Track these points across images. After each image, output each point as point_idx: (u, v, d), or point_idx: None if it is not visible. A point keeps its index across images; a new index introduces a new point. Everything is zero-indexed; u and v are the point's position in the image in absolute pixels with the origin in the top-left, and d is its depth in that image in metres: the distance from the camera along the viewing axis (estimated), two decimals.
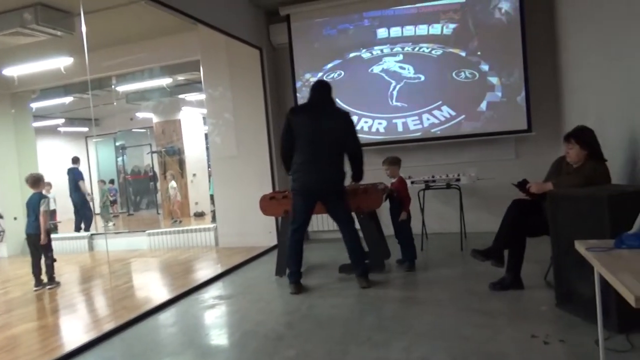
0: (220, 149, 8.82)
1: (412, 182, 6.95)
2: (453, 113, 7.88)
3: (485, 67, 7.68)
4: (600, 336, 3.08)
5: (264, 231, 8.52)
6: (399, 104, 8.13)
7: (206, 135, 12.42)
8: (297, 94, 8.44)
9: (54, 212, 11.87)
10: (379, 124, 8.25)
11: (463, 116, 7.85)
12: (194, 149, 14.91)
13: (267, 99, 8.53)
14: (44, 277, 7.10)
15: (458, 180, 6.92)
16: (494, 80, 7.63)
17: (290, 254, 5.52)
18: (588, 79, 5.82)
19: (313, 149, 5.28)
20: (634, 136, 4.39)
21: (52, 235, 7.23)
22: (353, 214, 5.80)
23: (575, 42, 6.42)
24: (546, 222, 4.33)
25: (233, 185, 8.71)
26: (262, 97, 8.45)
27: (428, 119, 7.97)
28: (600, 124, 4.93)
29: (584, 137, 4.43)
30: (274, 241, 8.15)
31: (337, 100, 7.14)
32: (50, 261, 7.13)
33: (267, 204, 6.42)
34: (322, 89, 5.41)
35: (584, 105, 6.11)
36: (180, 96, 13.24)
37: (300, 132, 5.30)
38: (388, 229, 6.36)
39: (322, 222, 8.61)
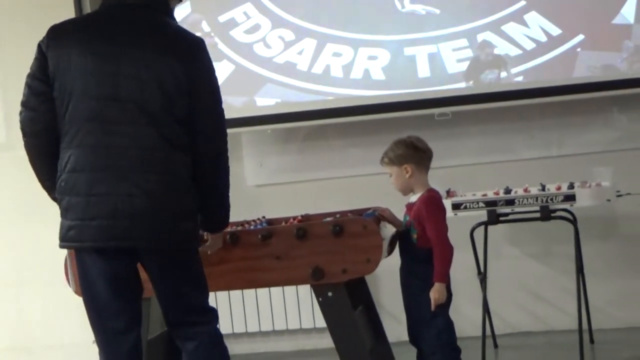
0: None
1: (457, 207, 4.36)
2: (554, 29, 4.66)
3: None
4: None
5: (82, 342, 4.59)
6: (419, 7, 4.80)
7: None
8: None
9: None
10: (371, 58, 4.90)
11: (580, 37, 4.72)
12: None
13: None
14: None
15: (571, 198, 4.18)
16: None
17: None
18: None
19: (104, 129, 2.77)
20: None
21: None
22: (301, 289, 4.39)
23: None
24: None
25: None
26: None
27: (493, 44, 4.75)
28: None
29: None
30: None
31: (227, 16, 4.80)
32: None
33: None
34: None
35: None
36: None
37: (72, 85, 2.75)
38: (396, 322, 4.09)
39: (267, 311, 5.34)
